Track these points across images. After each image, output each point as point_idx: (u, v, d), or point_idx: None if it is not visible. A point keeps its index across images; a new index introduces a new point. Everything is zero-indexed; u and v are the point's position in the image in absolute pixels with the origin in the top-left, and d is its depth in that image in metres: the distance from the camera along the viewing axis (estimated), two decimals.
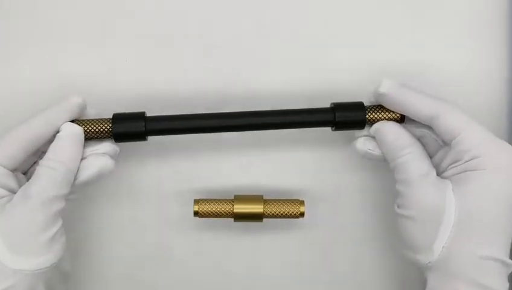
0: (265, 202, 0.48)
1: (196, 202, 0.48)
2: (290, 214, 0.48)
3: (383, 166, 0.45)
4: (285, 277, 0.53)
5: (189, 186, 0.51)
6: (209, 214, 0.48)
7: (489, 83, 0.50)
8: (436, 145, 0.44)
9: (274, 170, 0.51)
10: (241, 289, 0.53)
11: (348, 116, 0.44)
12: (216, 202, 0.48)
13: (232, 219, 0.48)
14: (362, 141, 0.45)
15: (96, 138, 0.44)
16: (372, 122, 0.44)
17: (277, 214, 0.48)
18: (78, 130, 0.43)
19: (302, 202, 0.48)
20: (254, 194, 0.49)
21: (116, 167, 0.44)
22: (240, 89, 0.49)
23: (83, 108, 0.44)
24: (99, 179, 0.43)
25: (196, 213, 0.48)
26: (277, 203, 0.48)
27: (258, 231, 0.52)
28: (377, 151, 0.44)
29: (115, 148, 0.44)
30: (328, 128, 0.46)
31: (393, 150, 0.43)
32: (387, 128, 0.43)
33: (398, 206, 0.43)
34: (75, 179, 0.42)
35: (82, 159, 0.43)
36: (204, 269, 0.52)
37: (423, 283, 0.43)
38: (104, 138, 0.44)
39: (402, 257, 0.44)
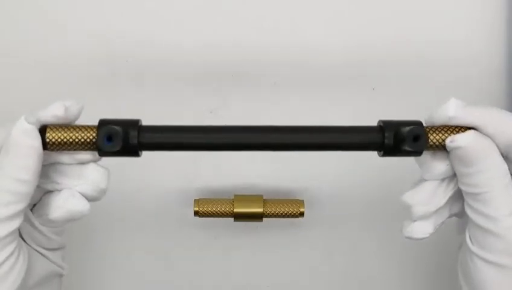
0: (265, 202, 0.48)
1: (196, 202, 0.48)
2: (290, 214, 0.48)
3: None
4: (285, 276, 0.53)
5: (189, 186, 0.51)
6: (209, 214, 0.48)
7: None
8: None
9: (274, 170, 0.51)
10: (241, 289, 0.53)
11: (401, 138, 0.35)
12: (216, 202, 0.48)
13: (232, 219, 0.48)
14: (421, 228, 0.37)
15: (75, 149, 0.35)
16: (433, 146, 0.35)
17: (277, 214, 0.48)
18: (29, 128, 0.34)
19: (302, 202, 0.48)
20: (254, 194, 0.49)
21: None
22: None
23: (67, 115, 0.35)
24: (72, 220, 0.37)
25: (196, 213, 0.48)
26: (277, 203, 0.48)
27: (258, 231, 0.52)
28: (439, 222, 0.37)
29: (99, 183, 0.36)
30: None
31: (480, 175, 0.34)
32: (476, 145, 0.34)
33: (474, 244, 0.35)
34: (46, 214, 0.36)
35: (60, 187, 0.36)
36: (204, 269, 0.52)
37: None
38: (86, 149, 0.35)
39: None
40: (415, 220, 0.37)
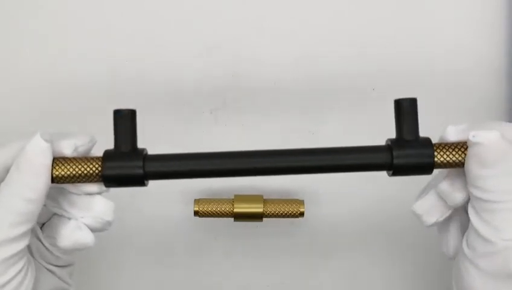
0: (265, 201, 0.48)
1: (196, 201, 0.48)
2: (290, 213, 0.48)
3: None
4: (285, 276, 0.53)
5: (189, 186, 0.51)
6: (209, 213, 0.48)
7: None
8: None
9: None
10: (241, 289, 0.53)
11: (410, 157, 0.35)
12: (216, 202, 0.48)
13: (232, 219, 0.48)
14: (455, 239, 0.37)
15: (81, 181, 0.35)
16: (442, 165, 0.35)
17: (277, 213, 0.48)
18: (44, 147, 0.33)
19: (302, 202, 0.48)
20: (254, 194, 0.49)
21: None
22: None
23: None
24: (78, 250, 0.37)
25: (196, 213, 0.48)
26: (277, 203, 0.48)
27: (258, 231, 0.52)
28: (445, 214, 0.37)
29: (104, 216, 0.36)
30: None
31: (495, 180, 0.33)
32: (499, 144, 0.33)
33: (469, 249, 0.35)
34: (54, 237, 0.37)
35: (68, 215, 0.36)
36: (204, 269, 0.52)
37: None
38: (92, 181, 0.35)
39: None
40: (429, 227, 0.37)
